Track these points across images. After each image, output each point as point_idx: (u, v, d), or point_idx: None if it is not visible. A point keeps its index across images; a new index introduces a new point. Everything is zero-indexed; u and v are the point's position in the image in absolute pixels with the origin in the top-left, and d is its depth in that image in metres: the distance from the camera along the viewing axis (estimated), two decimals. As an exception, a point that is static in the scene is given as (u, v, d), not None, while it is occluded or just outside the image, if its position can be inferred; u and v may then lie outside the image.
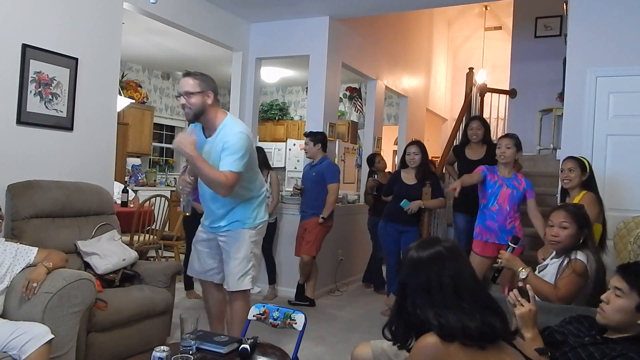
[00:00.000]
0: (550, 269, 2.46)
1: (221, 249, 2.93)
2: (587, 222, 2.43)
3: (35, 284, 2.40)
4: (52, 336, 2.23)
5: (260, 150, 4.86)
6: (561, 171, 3.30)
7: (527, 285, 1.92)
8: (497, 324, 1.34)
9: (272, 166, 5.14)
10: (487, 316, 1.34)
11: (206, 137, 2.81)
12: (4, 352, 2.17)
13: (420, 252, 1.46)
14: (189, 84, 2.69)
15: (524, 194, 3.52)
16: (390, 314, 1.54)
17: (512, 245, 2.52)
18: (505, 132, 6.71)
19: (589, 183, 3.21)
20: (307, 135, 4.81)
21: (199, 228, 3.07)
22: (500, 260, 2.45)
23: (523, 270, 2.33)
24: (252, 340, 2.13)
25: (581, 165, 3.20)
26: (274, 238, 5.06)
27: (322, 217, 4.58)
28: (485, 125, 4.45)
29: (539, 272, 2.54)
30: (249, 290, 2.94)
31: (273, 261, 5.01)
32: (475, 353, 1.29)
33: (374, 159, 5.61)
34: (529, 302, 1.78)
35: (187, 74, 2.75)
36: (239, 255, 2.86)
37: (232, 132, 2.70)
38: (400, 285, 1.50)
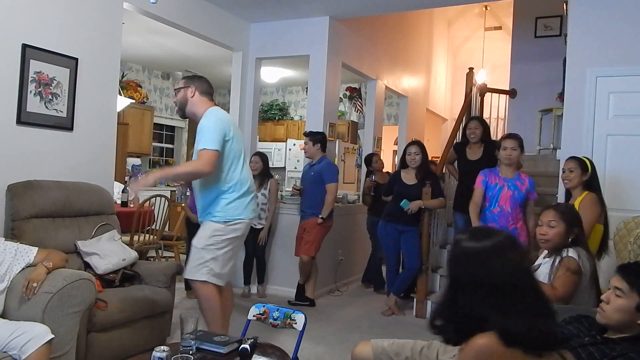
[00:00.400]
0: (544, 268, 2.48)
1: None
2: (577, 221, 2.44)
3: (35, 284, 2.40)
4: (53, 336, 2.23)
5: (264, 158, 4.91)
6: (563, 171, 3.30)
7: None
8: (556, 330, 1.22)
9: (272, 166, 5.16)
10: (549, 321, 1.21)
11: None
12: (4, 352, 2.16)
13: (480, 242, 1.26)
14: (178, 84, 3.01)
15: (527, 195, 3.50)
16: (435, 307, 1.36)
17: None
18: (506, 132, 6.72)
19: (591, 183, 3.19)
20: (306, 135, 4.81)
21: None
22: None
23: None
24: (252, 340, 2.13)
25: (582, 165, 3.19)
26: (270, 239, 5.08)
27: (321, 217, 4.58)
28: (484, 125, 4.45)
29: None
30: (212, 284, 2.86)
31: (264, 262, 5.07)
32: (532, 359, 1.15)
33: (372, 159, 5.63)
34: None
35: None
36: (198, 245, 2.86)
37: (205, 117, 2.85)
38: (452, 278, 1.32)
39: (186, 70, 8.58)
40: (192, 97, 2.92)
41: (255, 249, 4.93)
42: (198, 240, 2.88)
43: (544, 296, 1.28)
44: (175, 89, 2.99)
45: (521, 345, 1.14)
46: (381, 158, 5.77)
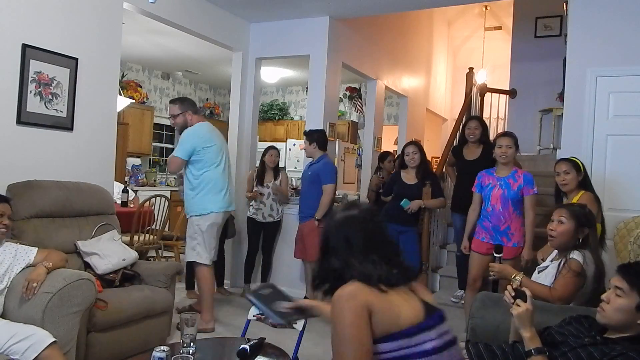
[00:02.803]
0: (550, 269, 2.46)
1: None
2: (588, 222, 2.41)
3: (35, 284, 2.40)
4: (53, 339, 2.21)
5: (277, 152, 5.04)
6: (557, 175, 3.25)
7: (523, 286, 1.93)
8: (396, 273, 1.55)
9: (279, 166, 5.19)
10: (391, 267, 1.56)
11: None
12: (6, 355, 2.16)
13: (344, 213, 1.67)
14: (172, 109, 3.81)
15: (520, 192, 3.44)
16: (315, 270, 1.70)
17: (496, 255, 2.57)
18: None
19: (584, 183, 3.20)
20: (304, 134, 4.81)
21: None
22: (492, 273, 2.54)
23: (516, 276, 2.36)
24: (257, 341, 2.13)
25: (575, 166, 3.18)
26: (276, 238, 5.07)
27: (317, 219, 4.51)
28: (483, 126, 4.44)
29: (538, 273, 2.54)
30: (204, 264, 3.73)
31: (270, 261, 5.06)
32: (379, 294, 1.48)
33: (385, 158, 5.64)
34: (525, 302, 1.78)
35: (170, 101, 3.90)
36: (187, 234, 3.81)
37: (188, 129, 3.75)
38: (326, 245, 1.66)
39: (186, 70, 8.58)
40: (191, 119, 3.77)
41: (263, 246, 4.97)
42: (187, 231, 3.81)
43: (393, 248, 1.64)
44: (172, 115, 3.77)
45: (376, 284, 1.49)
46: (395, 160, 5.68)
